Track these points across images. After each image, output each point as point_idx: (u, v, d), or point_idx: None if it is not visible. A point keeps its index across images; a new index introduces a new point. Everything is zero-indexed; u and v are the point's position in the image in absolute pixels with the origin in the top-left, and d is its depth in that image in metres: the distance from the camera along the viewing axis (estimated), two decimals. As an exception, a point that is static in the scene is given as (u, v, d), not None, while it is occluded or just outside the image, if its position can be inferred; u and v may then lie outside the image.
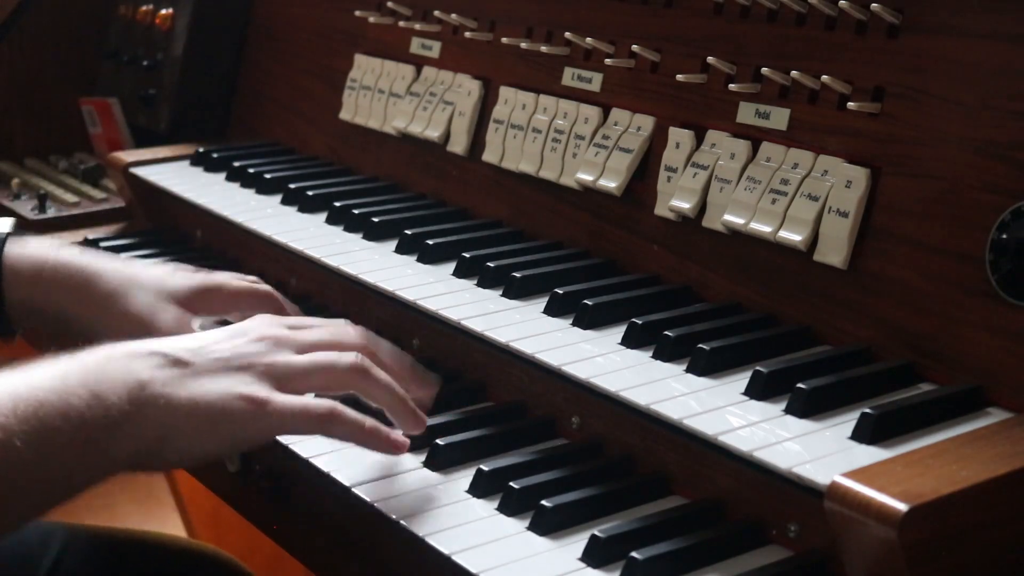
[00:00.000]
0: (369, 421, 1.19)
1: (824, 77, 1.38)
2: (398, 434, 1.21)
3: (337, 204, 1.77)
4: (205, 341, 1.20)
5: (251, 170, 1.96)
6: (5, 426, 1.03)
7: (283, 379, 1.18)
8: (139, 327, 1.37)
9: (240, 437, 1.16)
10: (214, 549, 1.60)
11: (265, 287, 1.48)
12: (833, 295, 1.34)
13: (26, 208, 2.13)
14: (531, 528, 1.16)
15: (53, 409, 1.06)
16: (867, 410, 1.14)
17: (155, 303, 1.40)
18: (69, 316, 1.41)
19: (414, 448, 1.29)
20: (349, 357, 1.21)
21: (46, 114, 2.48)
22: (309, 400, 1.18)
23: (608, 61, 1.61)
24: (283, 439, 1.30)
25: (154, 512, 3.25)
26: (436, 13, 1.89)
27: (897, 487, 1.00)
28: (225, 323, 1.42)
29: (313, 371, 1.20)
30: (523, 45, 1.73)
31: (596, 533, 1.11)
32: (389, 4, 1.98)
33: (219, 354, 1.17)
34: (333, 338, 1.25)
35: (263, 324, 1.24)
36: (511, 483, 1.20)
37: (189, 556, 1.55)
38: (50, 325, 1.45)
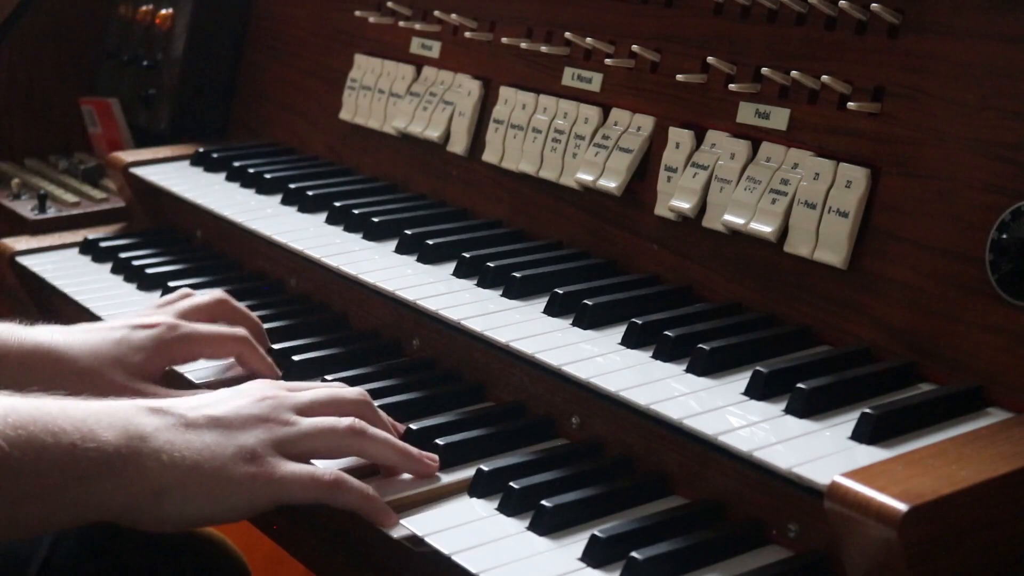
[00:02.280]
0: (371, 489, 1.19)
1: (824, 77, 1.38)
2: (391, 512, 1.19)
3: (337, 204, 1.77)
4: (207, 400, 1.20)
5: (251, 170, 1.96)
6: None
7: (285, 444, 1.18)
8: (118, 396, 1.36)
9: (243, 503, 1.15)
10: (208, 532, 1.59)
11: (238, 332, 1.46)
12: (833, 295, 1.34)
13: (26, 208, 2.13)
14: (531, 528, 1.16)
15: (44, 428, 1.06)
16: (867, 410, 1.14)
17: (127, 380, 1.38)
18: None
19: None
20: (347, 421, 1.22)
21: (46, 114, 2.48)
22: (315, 468, 1.18)
23: (608, 61, 1.61)
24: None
25: (154, 512, 3.24)
26: (436, 13, 1.89)
27: (897, 487, 1.00)
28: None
29: (314, 435, 1.20)
30: (523, 45, 1.73)
31: (596, 533, 1.11)
32: (389, 4, 1.98)
33: (221, 414, 1.18)
34: (330, 396, 1.26)
35: (262, 387, 1.25)
36: (511, 483, 1.20)
37: (183, 539, 1.53)
38: None
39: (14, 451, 1.04)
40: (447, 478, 1.25)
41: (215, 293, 1.51)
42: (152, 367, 1.41)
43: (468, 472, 1.24)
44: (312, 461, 1.22)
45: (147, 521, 1.13)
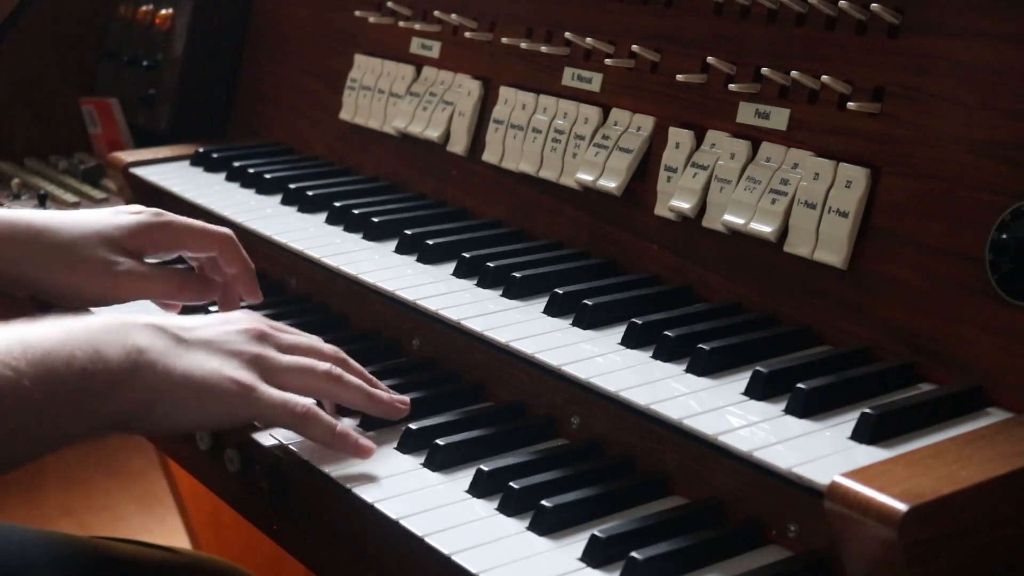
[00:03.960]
0: (340, 426, 1.26)
1: (824, 77, 1.38)
2: (366, 440, 1.27)
3: (337, 204, 1.77)
4: (197, 323, 1.28)
5: (251, 170, 1.96)
6: (16, 368, 1.10)
7: (266, 372, 1.26)
8: (98, 272, 1.43)
9: (223, 415, 1.24)
10: (212, 559, 1.60)
11: (222, 230, 1.52)
12: (833, 295, 1.34)
13: (26, 208, 2.13)
14: (531, 528, 1.16)
15: (59, 358, 1.13)
16: (867, 410, 1.14)
17: (108, 254, 1.44)
18: (22, 274, 1.45)
19: (414, 449, 1.30)
20: (325, 365, 1.30)
21: (46, 114, 2.48)
22: (290, 397, 1.26)
23: (608, 61, 1.61)
24: (284, 439, 1.30)
25: (154, 512, 3.25)
26: (436, 13, 1.89)
27: (897, 487, 1.00)
28: (180, 261, 1.55)
29: (294, 370, 1.29)
30: (523, 45, 1.73)
31: (596, 533, 1.11)
32: (389, 4, 1.98)
33: (210, 336, 1.26)
34: (311, 344, 1.34)
35: (249, 317, 1.33)
36: (511, 483, 1.20)
37: (186, 570, 1.55)
38: (7, 287, 1.48)
39: (35, 386, 1.11)
40: (443, 476, 1.25)
41: (223, 229, 1.55)
42: (132, 245, 1.47)
43: (466, 471, 1.24)
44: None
45: (140, 427, 1.23)
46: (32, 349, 1.12)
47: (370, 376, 1.37)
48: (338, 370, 1.30)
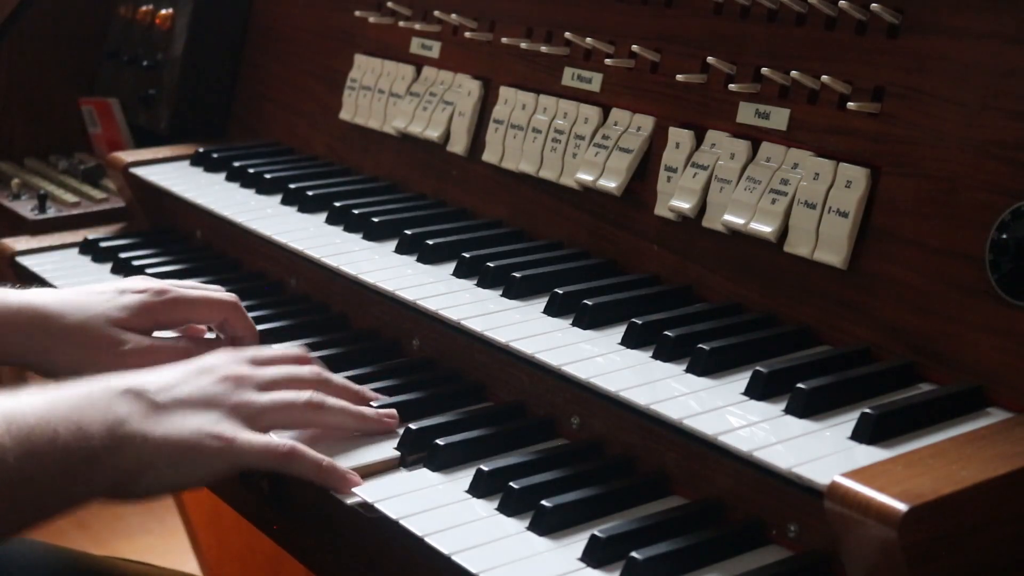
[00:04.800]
0: (326, 461, 1.25)
1: (824, 77, 1.38)
2: (353, 474, 1.25)
3: (337, 204, 1.77)
4: (174, 379, 1.27)
5: (251, 170, 1.96)
6: (0, 444, 1.11)
7: (247, 418, 1.26)
8: (103, 355, 1.42)
9: (208, 471, 1.24)
10: None
11: (226, 297, 1.50)
12: (833, 295, 1.34)
13: (26, 208, 2.13)
14: (531, 528, 1.16)
15: (43, 435, 1.14)
16: (867, 410, 1.14)
17: (114, 334, 1.43)
18: (29, 358, 1.44)
19: (415, 449, 1.29)
20: (305, 395, 1.30)
21: (46, 114, 2.48)
22: (272, 439, 1.27)
23: (608, 61, 1.61)
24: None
25: (155, 512, 3.25)
26: (436, 13, 1.89)
27: (897, 487, 1.00)
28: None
29: (273, 409, 1.29)
30: (523, 45, 1.73)
31: (596, 533, 1.11)
32: (389, 4, 1.98)
33: (187, 393, 1.25)
34: (290, 374, 1.33)
35: (226, 361, 1.32)
36: (511, 483, 1.20)
37: None
38: (15, 365, 1.49)
39: (18, 463, 1.12)
40: (443, 476, 1.25)
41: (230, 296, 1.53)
42: (139, 326, 1.45)
43: (466, 471, 1.24)
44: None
45: (128, 495, 1.23)
46: (16, 424, 1.12)
47: (358, 389, 1.37)
48: (319, 396, 1.30)
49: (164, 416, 1.22)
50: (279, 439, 1.26)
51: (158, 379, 1.26)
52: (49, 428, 1.14)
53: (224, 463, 1.24)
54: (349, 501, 1.23)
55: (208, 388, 1.27)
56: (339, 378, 1.38)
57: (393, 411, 1.34)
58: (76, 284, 1.81)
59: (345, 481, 1.24)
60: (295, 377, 1.33)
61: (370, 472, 1.26)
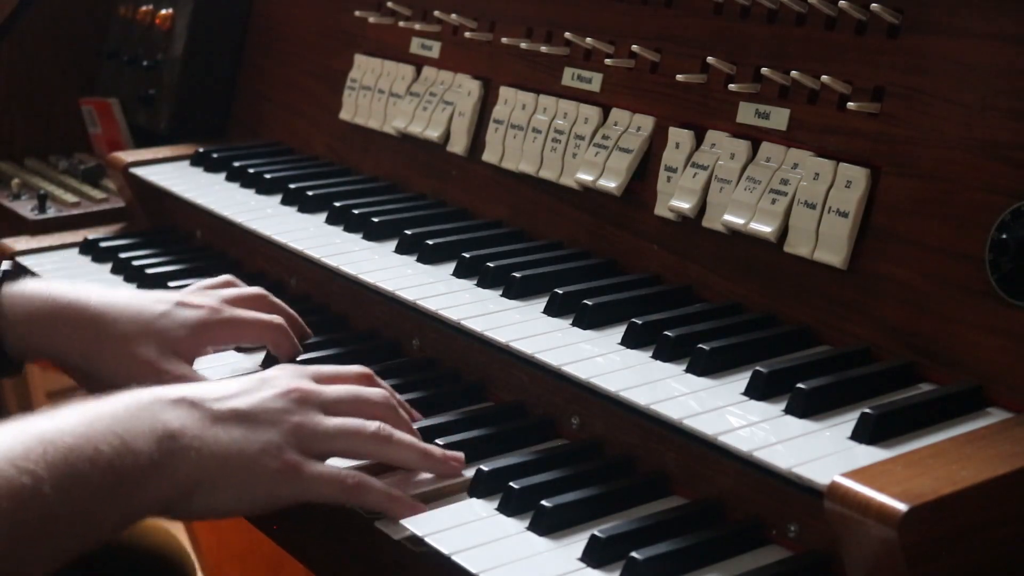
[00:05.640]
0: (395, 491, 1.19)
1: (824, 77, 1.38)
2: (418, 502, 1.19)
3: (337, 204, 1.77)
4: (231, 390, 1.19)
5: (251, 170, 1.96)
6: (34, 473, 1.02)
7: (310, 441, 1.18)
8: (147, 374, 1.35)
9: (269, 495, 1.16)
10: (155, 534, 1.58)
11: (273, 320, 1.46)
12: (833, 295, 1.34)
13: (26, 208, 2.13)
14: (531, 528, 1.15)
15: (82, 455, 1.05)
16: (867, 410, 1.14)
17: (160, 357, 1.38)
18: (73, 358, 1.40)
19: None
20: (373, 426, 1.21)
21: (46, 114, 2.48)
22: (339, 471, 1.18)
23: (608, 61, 1.61)
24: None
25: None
26: (436, 13, 1.89)
27: (897, 487, 1.00)
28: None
29: (339, 436, 1.20)
30: (523, 45, 1.73)
31: (596, 533, 1.11)
32: (389, 4, 1.98)
33: (247, 406, 1.17)
34: (356, 395, 1.25)
35: (289, 375, 1.24)
36: (511, 483, 1.20)
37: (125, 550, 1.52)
38: (54, 361, 1.45)
39: (58, 493, 1.03)
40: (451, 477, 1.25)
41: (255, 288, 1.51)
42: (189, 347, 1.41)
43: (468, 472, 1.24)
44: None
45: (181, 514, 1.16)
46: (53, 449, 1.03)
47: (415, 413, 1.31)
48: (387, 429, 1.21)
49: (221, 429, 1.14)
50: (346, 470, 1.19)
51: (214, 389, 1.18)
52: (90, 447, 1.05)
53: (288, 490, 1.16)
54: (393, 535, 1.18)
55: (270, 402, 1.18)
56: (405, 409, 1.31)
57: (460, 454, 1.25)
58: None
59: (415, 509, 1.18)
60: (362, 398, 1.25)
61: None
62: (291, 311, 1.53)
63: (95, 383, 1.40)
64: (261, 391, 1.20)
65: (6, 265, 1.45)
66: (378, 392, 1.27)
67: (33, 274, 1.74)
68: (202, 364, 1.46)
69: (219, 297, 1.47)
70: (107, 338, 1.38)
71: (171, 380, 1.30)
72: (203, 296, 1.46)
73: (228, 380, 1.22)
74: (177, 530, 2.78)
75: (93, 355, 1.38)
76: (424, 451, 1.23)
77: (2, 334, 1.40)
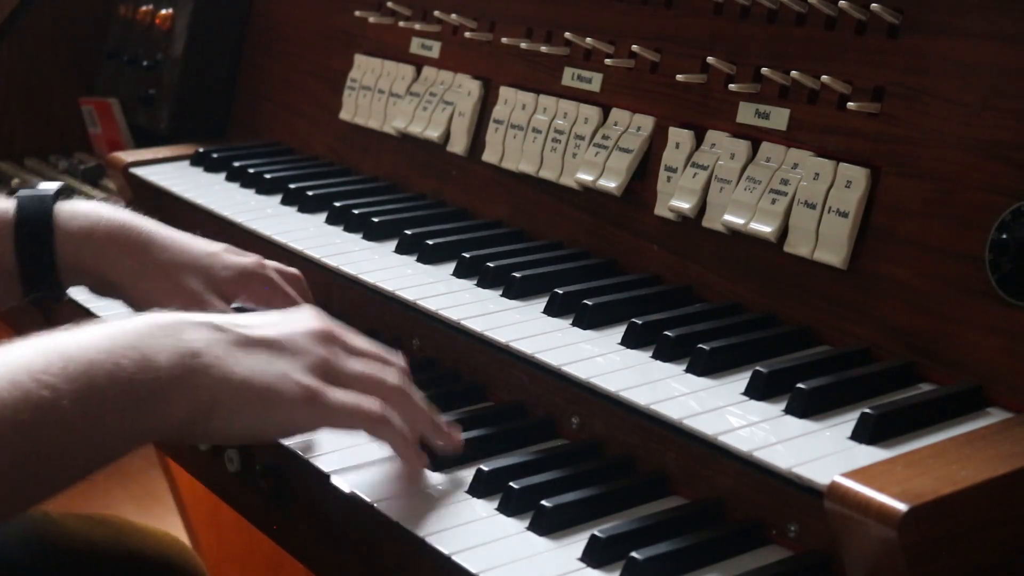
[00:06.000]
0: (411, 433, 1.19)
1: (824, 77, 1.38)
2: (424, 456, 1.21)
3: (337, 204, 1.77)
4: (258, 320, 1.19)
5: (251, 170, 1.96)
6: (55, 386, 1.02)
7: (332, 375, 1.18)
8: (190, 304, 1.36)
9: (289, 422, 1.15)
10: (161, 538, 1.58)
11: (306, 306, 1.41)
12: (833, 295, 1.34)
13: (26, 208, 2.13)
14: (531, 528, 1.16)
15: (103, 370, 1.05)
16: (867, 410, 1.14)
17: (204, 290, 1.41)
18: (120, 279, 1.40)
19: (414, 448, 1.30)
20: (396, 376, 1.22)
21: (46, 114, 2.48)
22: (363, 398, 1.18)
23: (608, 61, 1.61)
24: (286, 441, 1.30)
25: (153, 511, 3.25)
26: (436, 13, 1.89)
27: (897, 487, 1.00)
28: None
29: (362, 378, 1.20)
30: (523, 45, 1.73)
31: (596, 533, 1.11)
32: (389, 4, 1.98)
33: (273, 336, 1.17)
34: (379, 350, 1.25)
35: (315, 316, 1.24)
36: (511, 483, 1.20)
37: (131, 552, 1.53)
38: (98, 287, 1.44)
39: (78, 405, 1.03)
40: (443, 476, 1.25)
41: (294, 269, 1.52)
42: (229, 288, 1.43)
43: (468, 472, 1.24)
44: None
45: (196, 436, 1.15)
46: (73, 363, 1.03)
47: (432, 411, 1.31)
48: (409, 389, 1.22)
49: (245, 354, 1.13)
50: (370, 399, 1.17)
51: (242, 318, 1.18)
52: (110, 361, 1.05)
53: (309, 416, 1.15)
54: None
55: (297, 336, 1.18)
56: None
57: (460, 436, 1.26)
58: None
59: (422, 459, 1.20)
60: (384, 357, 1.24)
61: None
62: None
63: (139, 308, 1.40)
64: (288, 324, 1.20)
65: (59, 184, 1.46)
66: (398, 359, 1.27)
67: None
68: None
69: (263, 258, 1.49)
70: (156, 264, 1.39)
71: (212, 312, 1.33)
72: (249, 254, 1.49)
73: (257, 313, 1.23)
74: (178, 531, 2.79)
75: (141, 279, 1.39)
76: (436, 420, 1.25)
77: (53, 251, 1.39)
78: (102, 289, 1.45)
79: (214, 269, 1.43)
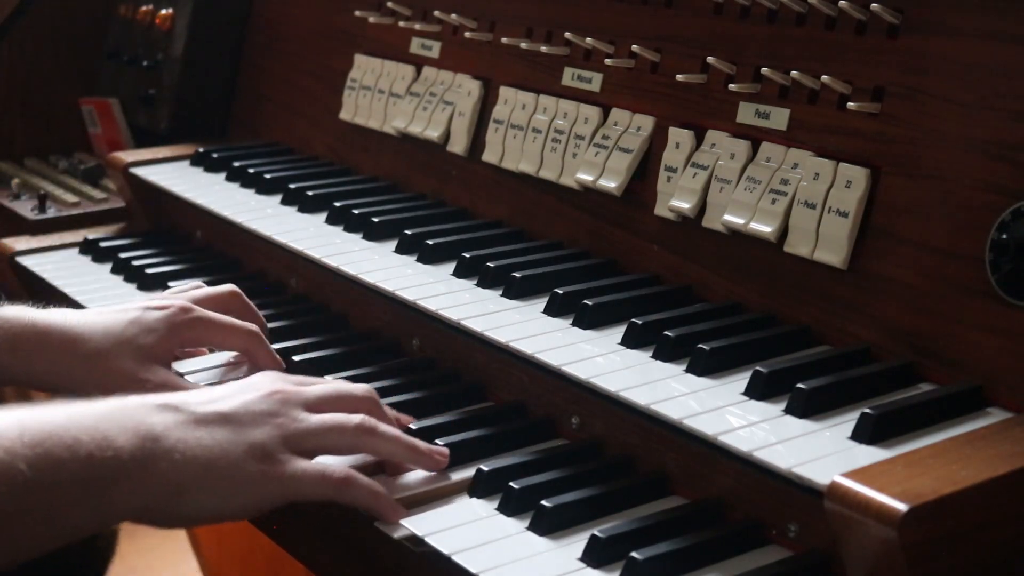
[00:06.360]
0: (379, 486, 1.19)
1: (824, 77, 1.38)
2: (399, 508, 1.19)
3: (337, 204, 1.77)
4: (215, 396, 1.19)
5: (251, 170, 1.96)
6: (10, 449, 1.02)
7: (295, 440, 1.18)
8: (127, 386, 1.35)
9: (254, 499, 1.15)
10: None
11: (247, 327, 1.45)
12: (833, 295, 1.34)
13: (26, 208, 2.13)
14: (531, 528, 1.16)
15: (60, 441, 1.05)
16: (867, 410, 1.14)
17: (137, 367, 1.38)
18: (53, 380, 1.39)
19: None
20: (356, 419, 1.22)
21: (46, 114, 2.48)
22: (326, 466, 1.18)
23: (608, 61, 1.61)
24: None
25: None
26: (436, 13, 1.89)
27: (897, 487, 1.00)
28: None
29: (323, 432, 1.20)
30: (523, 45, 1.73)
31: (596, 533, 1.11)
32: (389, 4, 1.98)
33: (230, 409, 1.17)
34: (338, 392, 1.25)
35: (272, 379, 1.24)
36: (511, 483, 1.20)
37: None
38: (33, 387, 1.45)
39: (32, 472, 1.03)
40: (448, 477, 1.25)
41: (227, 286, 1.51)
42: (162, 349, 1.41)
43: (468, 472, 1.24)
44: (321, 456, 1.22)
45: (164, 520, 1.14)
46: (30, 432, 1.03)
47: (399, 416, 1.31)
48: (371, 421, 1.22)
49: (205, 433, 1.13)
50: (332, 466, 1.19)
51: (198, 394, 1.19)
52: (69, 436, 1.05)
53: (275, 490, 1.15)
54: (393, 535, 1.18)
55: (253, 404, 1.18)
56: (389, 410, 1.31)
57: (445, 449, 1.26)
58: (76, 284, 1.82)
59: (396, 512, 1.18)
60: (344, 394, 1.25)
61: (407, 503, 1.22)
62: (260, 316, 1.51)
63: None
64: (244, 394, 1.20)
65: None
66: (361, 387, 1.28)
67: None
68: (185, 367, 1.46)
69: (188, 297, 1.46)
70: (84, 357, 1.37)
71: (152, 389, 1.32)
72: (171, 297, 1.46)
73: (214, 388, 1.22)
74: (178, 531, 2.78)
75: (74, 376, 1.37)
76: (409, 444, 1.24)
77: None
78: (41, 389, 1.44)
79: (138, 338, 1.39)
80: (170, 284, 1.74)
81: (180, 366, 1.47)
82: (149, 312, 1.41)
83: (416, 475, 1.25)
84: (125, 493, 1.09)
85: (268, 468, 1.15)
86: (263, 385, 1.22)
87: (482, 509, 1.20)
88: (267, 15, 2.27)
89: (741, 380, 1.24)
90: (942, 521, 1.00)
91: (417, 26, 1.93)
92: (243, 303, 1.50)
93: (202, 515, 1.15)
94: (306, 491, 1.17)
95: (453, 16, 1.85)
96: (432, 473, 1.25)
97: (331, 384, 1.27)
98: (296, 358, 1.49)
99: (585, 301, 1.39)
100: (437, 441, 1.27)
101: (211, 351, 1.51)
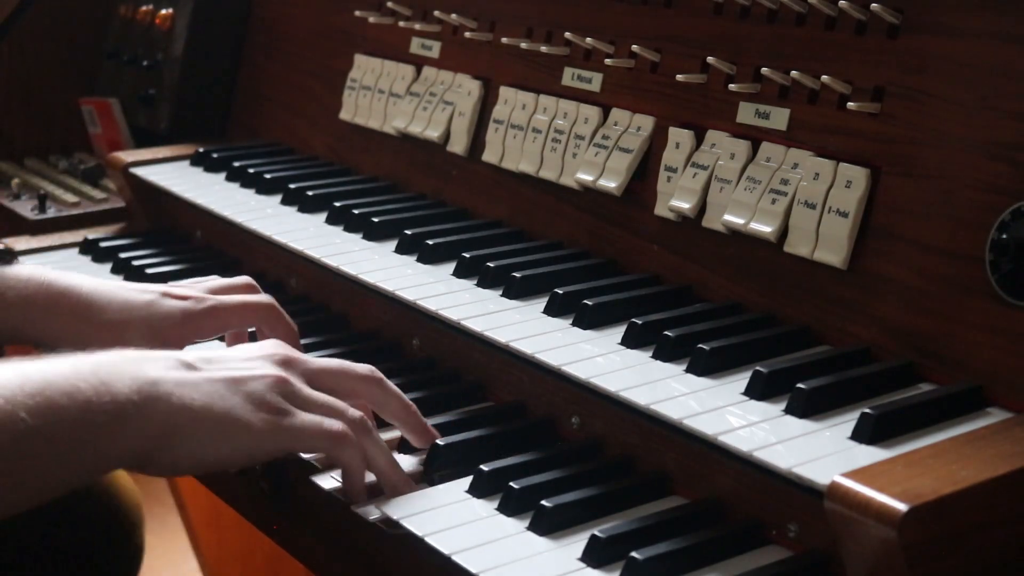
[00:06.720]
0: (386, 457, 1.20)
1: (824, 77, 1.38)
2: (400, 473, 1.21)
3: (337, 204, 1.77)
4: (218, 354, 1.21)
5: (251, 170, 1.96)
6: (11, 399, 1.04)
7: (292, 398, 1.19)
8: None
9: (252, 448, 1.16)
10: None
11: (263, 300, 1.45)
12: (833, 295, 1.34)
13: (26, 208, 2.13)
14: (531, 528, 1.15)
15: (60, 390, 1.06)
16: (867, 410, 1.14)
17: (151, 344, 1.36)
18: (63, 345, 1.40)
19: (415, 449, 1.30)
20: (364, 367, 1.24)
21: (46, 114, 2.48)
22: (324, 419, 1.18)
23: (608, 61, 1.61)
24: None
25: (154, 511, 3.25)
26: (436, 13, 1.89)
27: (897, 487, 1.00)
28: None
29: (328, 372, 1.22)
30: (523, 45, 1.73)
31: (596, 533, 1.11)
32: (389, 4, 1.98)
33: (234, 365, 1.18)
34: (341, 366, 1.27)
35: (275, 345, 1.25)
36: (511, 483, 1.20)
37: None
38: (43, 347, 1.44)
39: (33, 419, 1.04)
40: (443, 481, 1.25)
41: (243, 277, 1.51)
42: (176, 335, 1.41)
43: (468, 472, 1.24)
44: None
45: (160, 465, 1.14)
46: (31, 382, 1.05)
47: (405, 401, 1.31)
48: (378, 373, 1.25)
49: (204, 381, 1.14)
50: (332, 420, 1.19)
51: (201, 352, 1.20)
52: (68, 384, 1.06)
53: (271, 439, 1.15)
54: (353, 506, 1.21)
55: (255, 362, 1.20)
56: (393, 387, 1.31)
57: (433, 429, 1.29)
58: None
59: (369, 492, 1.19)
60: (346, 371, 1.26)
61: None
62: (294, 326, 1.50)
63: None
64: (249, 351, 1.22)
65: (0, 245, 1.45)
66: (364, 367, 1.28)
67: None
68: None
69: (204, 288, 1.47)
70: (99, 325, 1.38)
71: None
72: (188, 287, 1.47)
73: (219, 349, 1.24)
74: (178, 531, 2.78)
75: (85, 342, 1.37)
76: (411, 407, 1.26)
77: None
78: (45, 348, 1.44)
79: (154, 320, 1.40)
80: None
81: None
82: (166, 300, 1.42)
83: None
84: (123, 436, 1.10)
85: (266, 415, 1.15)
86: (267, 348, 1.24)
87: (482, 509, 1.20)
88: (267, 15, 2.27)
89: (741, 380, 1.24)
90: (942, 521, 1.00)
91: (417, 26, 1.93)
92: (257, 292, 1.49)
93: (197, 460, 1.14)
94: (303, 442, 1.18)
95: (453, 16, 1.85)
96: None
97: (334, 360, 1.28)
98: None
99: (585, 301, 1.39)
100: (437, 441, 1.28)
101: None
